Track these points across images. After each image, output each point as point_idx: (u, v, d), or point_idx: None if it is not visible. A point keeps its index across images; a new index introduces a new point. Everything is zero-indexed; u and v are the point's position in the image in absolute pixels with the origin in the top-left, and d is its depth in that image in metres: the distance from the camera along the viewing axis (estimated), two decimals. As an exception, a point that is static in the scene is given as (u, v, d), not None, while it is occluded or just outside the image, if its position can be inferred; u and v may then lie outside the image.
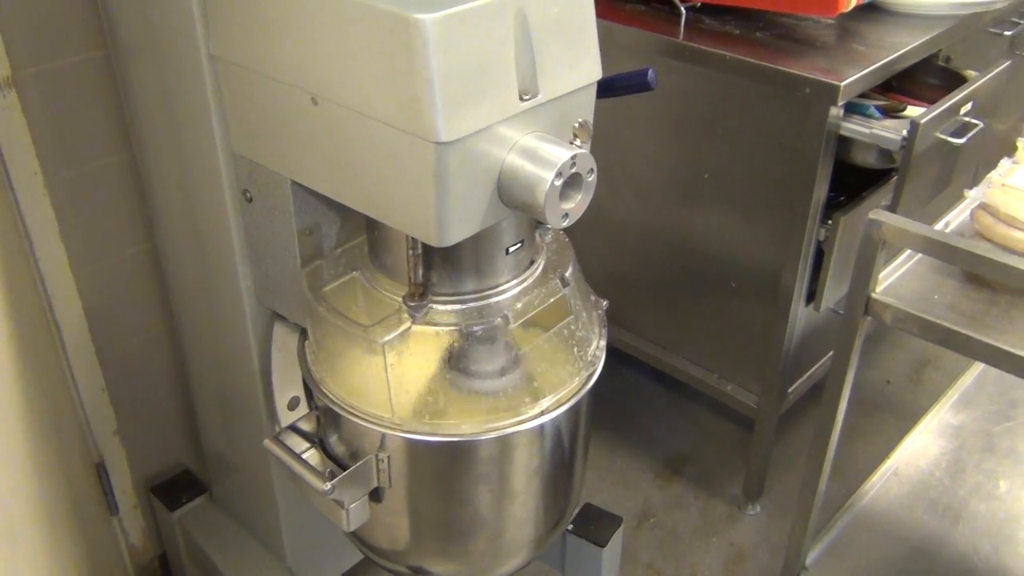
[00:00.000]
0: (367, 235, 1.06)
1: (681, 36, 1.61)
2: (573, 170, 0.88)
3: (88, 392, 1.48)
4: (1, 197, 1.25)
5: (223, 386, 1.37)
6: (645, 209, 1.82)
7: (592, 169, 0.90)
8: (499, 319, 1.00)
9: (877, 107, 1.55)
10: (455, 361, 0.99)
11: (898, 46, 1.57)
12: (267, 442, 1.07)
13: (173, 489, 1.59)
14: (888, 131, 1.47)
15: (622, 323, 1.98)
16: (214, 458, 1.54)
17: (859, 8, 1.61)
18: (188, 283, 1.32)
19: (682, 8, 1.66)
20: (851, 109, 1.52)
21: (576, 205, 0.91)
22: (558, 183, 0.86)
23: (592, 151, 0.92)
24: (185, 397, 1.58)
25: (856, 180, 1.71)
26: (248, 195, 1.08)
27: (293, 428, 1.12)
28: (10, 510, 1.01)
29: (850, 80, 1.42)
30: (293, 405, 1.16)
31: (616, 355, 2.04)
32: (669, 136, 1.72)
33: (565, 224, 0.90)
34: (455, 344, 0.99)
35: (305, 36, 0.87)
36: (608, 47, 1.70)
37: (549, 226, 0.92)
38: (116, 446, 1.56)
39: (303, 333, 1.11)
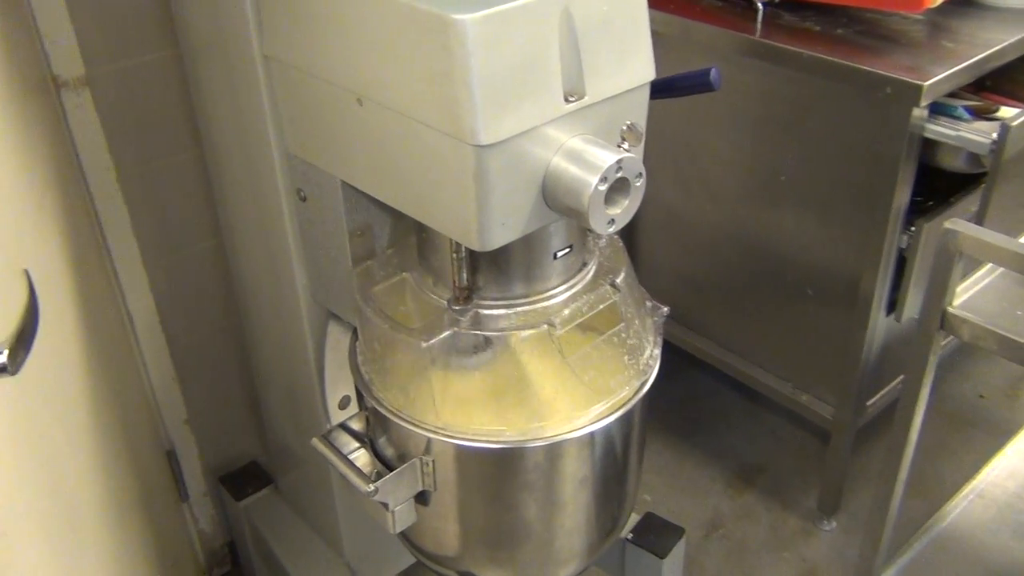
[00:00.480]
0: (416, 236, 1.05)
1: (757, 33, 1.55)
2: (619, 174, 0.85)
3: (159, 381, 1.52)
4: (76, 192, 1.29)
5: (285, 381, 1.39)
6: (719, 210, 1.77)
7: (640, 174, 0.87)
8: (545, 325, 0.97)
9: (967, 108, 1.47)
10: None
11: (992, 43, 1.48)
12: (315, 440, 1.07)
13: (240, 479, 1.63)
14: (976, 134, 1.39)
15: (694, 327, 1.94)
16: (278, 451, 1.57)
17: (951, 3, 1.53)
18: (251, 279, 1.34)
19: (759, 4, 1.60)
20: (938, 110, 1.44)
21: (623, 211, 0.88)
22: (603, 188, 0.84)
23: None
24: (253, 390, 1.61)
25: (948, 184, 1.63)
26: (302, 194, 1.09)
27: (343, 427, 1.12)
28: (74, 497, 1.05)
29: (935, 80, 1.35)
30: (344, 404, 1.16)
31: (689, 359, 2.00)
32: (745, 136, 1.66)
33: (611, 230, 0.87)
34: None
35: (350, 36, 0.87)
36: (683, 44, 1.67)
37: (594, 232, 0.89)
38: (187, 434, 1.60)
39: (355, 332, 1.12)
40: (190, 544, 1.70)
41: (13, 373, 0.63)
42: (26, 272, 0.78)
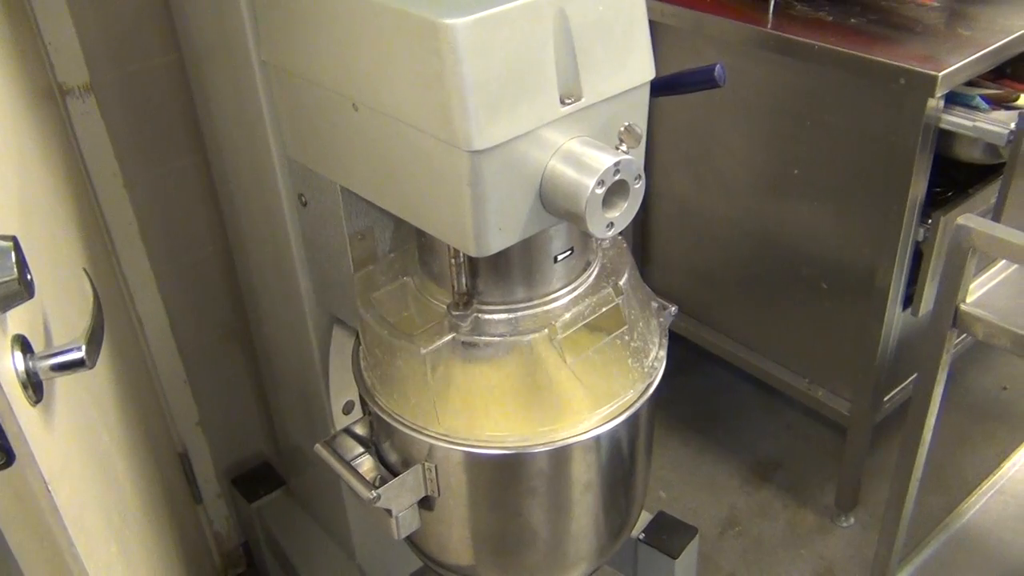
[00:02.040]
0: (416, 241, 1.04)
1: (769, 24, 1.53)
2: (617, 177, 0.83)
3: (170, 384, 1.53)
4: (83, 198, 1.29)
5: (293, 384, 1.39)
6: (732, 204, 1.75)
7: (640, 176, 0.86)
8: (546, 329, 0.96)
9: (985, 97, 1.43)
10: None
11: (1012, 29, 1.45)
12: (318, 446, 1.06)
13: (252, 481, 1.63)
14: (994, 124, 1.35)
15: (708, 322, 1.92)
16: (289, 453, 1.57)
17: (968, -11, 1.49)
18: (258, 283, 1.34)
19: (771, -6, 1.58)
20: (954, 99, 1.41)
21: (622, 214, 0.86)
22: (600, 191, 0.82)
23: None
24: (263, 391, 1.61)
25: (969, 175, 1.59)
26: (303, 199, 1.08)
27: (348, 432, 1.11)
28: (124, 493, 1.05)
29: (949, 70, 1.32)
30: (348, 409, 1.16)
31: (705, 354, 1.98)
32: (757, 129, 1.64)
33: (610, 234, 0.86)
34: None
35: (343, 41, 0.86)
36: (694, 37, 1.65)
37: (593, 236, 0.88)
38: (199, 436, 1.61)
39: (359, 337, 1.11)
40: (206, 546, 1.70)
41: (91, 367, 0.63)
42: (85, 271, 0.78)
